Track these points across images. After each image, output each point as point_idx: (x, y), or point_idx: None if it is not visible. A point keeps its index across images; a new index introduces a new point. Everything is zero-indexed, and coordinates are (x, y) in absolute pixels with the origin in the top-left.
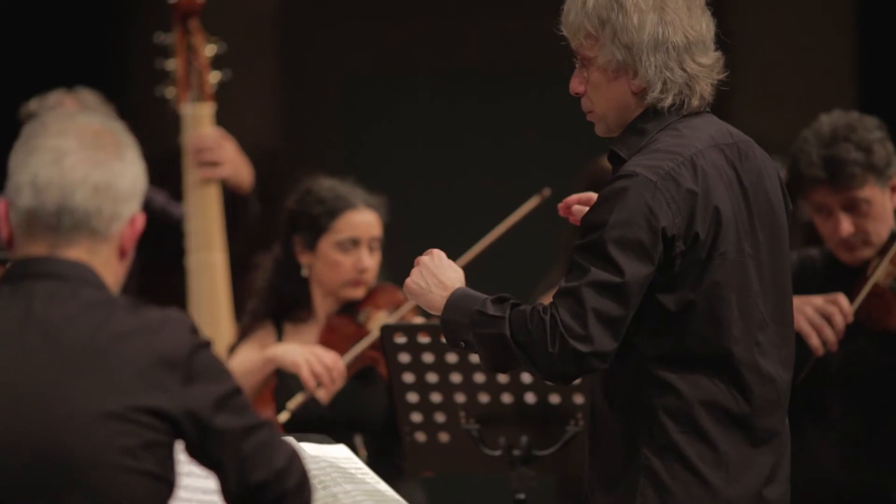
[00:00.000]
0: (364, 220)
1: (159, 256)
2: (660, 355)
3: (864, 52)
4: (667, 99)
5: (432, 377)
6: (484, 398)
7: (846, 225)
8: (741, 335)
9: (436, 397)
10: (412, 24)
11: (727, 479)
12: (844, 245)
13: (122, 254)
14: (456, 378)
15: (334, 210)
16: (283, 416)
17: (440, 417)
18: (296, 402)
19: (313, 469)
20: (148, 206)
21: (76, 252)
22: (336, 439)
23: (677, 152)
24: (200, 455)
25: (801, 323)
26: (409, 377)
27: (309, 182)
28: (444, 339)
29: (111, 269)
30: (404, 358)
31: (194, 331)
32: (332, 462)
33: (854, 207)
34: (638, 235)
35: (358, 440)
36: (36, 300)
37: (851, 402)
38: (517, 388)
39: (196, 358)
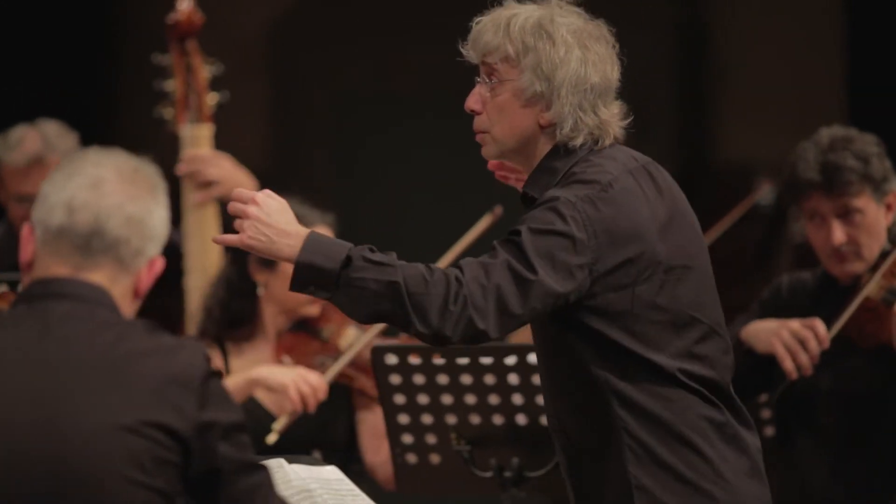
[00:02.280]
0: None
1: (158, 278)
2: (625, 373)
3: (855, 74)
4: (577, 139)
5: (423, 398)
6: (475, 420)
7: (838, 233)
8: (696, 343)
9: (426, 419)
10: (407, 44)
11: (724, 486)
12: (836, 255)
13: (136, 293)
14: (447, 399)
15: None
16: (272, 438)
17: (431, 439)
18: (282, 423)
19: (303, 491)
20: None
21: (99, 276)
22: (293, 453)
23: (595, 181)
24: (196, 483)
25: (776, 346)
26: (399, 398)
27: None
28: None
29: (126, 304)
30: (395, 379)
31: (208, 359)
32: (323, 483)
33: (847, 216)
34: (563, 253)
35: (316, 454)
36: (52, 319)
37: (843, 419)
38: (508, 410)
39: (210, 384)
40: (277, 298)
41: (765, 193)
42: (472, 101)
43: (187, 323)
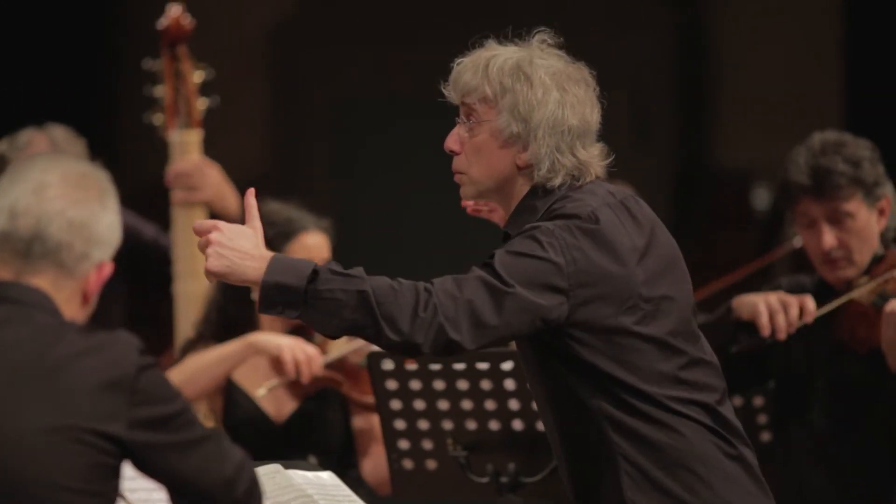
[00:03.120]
0: (316, 243)
1: (146, 283)
2: (616, 401)
3: (852, 80)
4: (554, 179)
5: (419, 404)
6: (471, 425)
7: (829, 238)
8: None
9: (423, 424)
10: (402, 47)
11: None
12: (827, 261)
13: (84, 298)
14: (443, 405)
15: (287, 233)
16: (261, 392)
17: (427, 444)
18: (273, 384)
19: (300, 496)
20: (138, 238)
21: (40, 281)
22: (289, 458)
23: (575, 214)
24: (148, 471)
25: (759, 305)
26: (396, 404)
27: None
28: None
29: (72, 309)
30: (392, 385)
31: (142, 351)
32: (319, 488)
33: (838, 221)
34: (540, 275)
35: (312, 461)
36: None
37: (838, 422)
38: (505, 416)
39: (142, 378)
40: None
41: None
42: (451, 142)
43: (177, 328)
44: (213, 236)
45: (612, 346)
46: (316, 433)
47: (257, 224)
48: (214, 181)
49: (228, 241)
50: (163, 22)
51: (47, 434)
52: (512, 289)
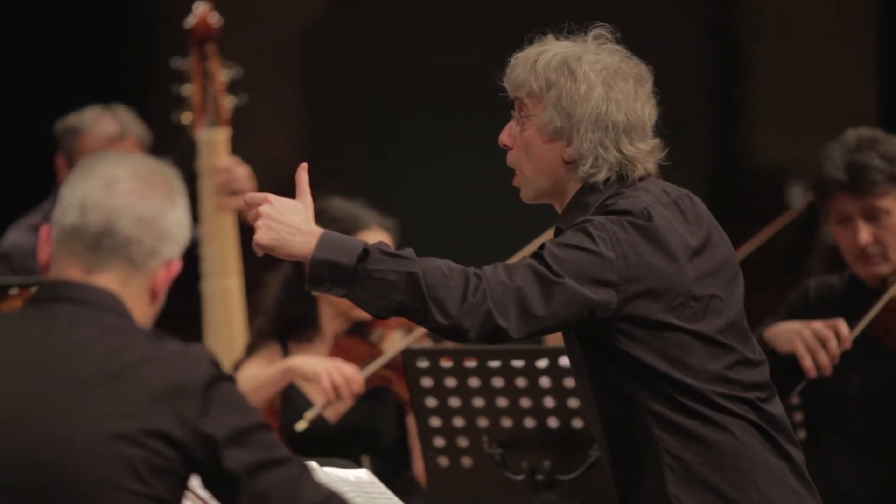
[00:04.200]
0: (378, 240)
1: (174, 281)
2: (662, 396)
3: (887, 78)
4: (598, 174)
5: (455, 401)
6: (506, 423)
7: (864, 234)
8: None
9: (458, 422)
10: (431, 47)
11: (761, 498)
12: (862, 257)
13: (153, 295)
14: (478, 402)
15: (349, 230)
16: (301, 425)
17: (462, 442)
18: (313, 412)
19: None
20: None
21: (109, 278)
22: (342, 458)
23: (627, 210)
24: (216, 488)
25: (796, 345)
26: (431, 401)
27: (322, 202)
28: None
29: (140, 306)
30: (427, 382)
31: (215, 364)
32: (355, 486)
33: (874, 217)
34: (590, 267)
35: (365, 461)
36: (58, 322)
37: (872, 421)
38: (540, 413)
39: (214, 389)
40: (331, 300)
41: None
42: (503, 136)
43: (205, 327)
44: (264, 209)
45: (659, 341)
46: (369, 434)
47: (307, 199)
48: (250, 185)
49: (278, 215)
50: (190, 21)
51: (110, 437)
52: (562, 279)
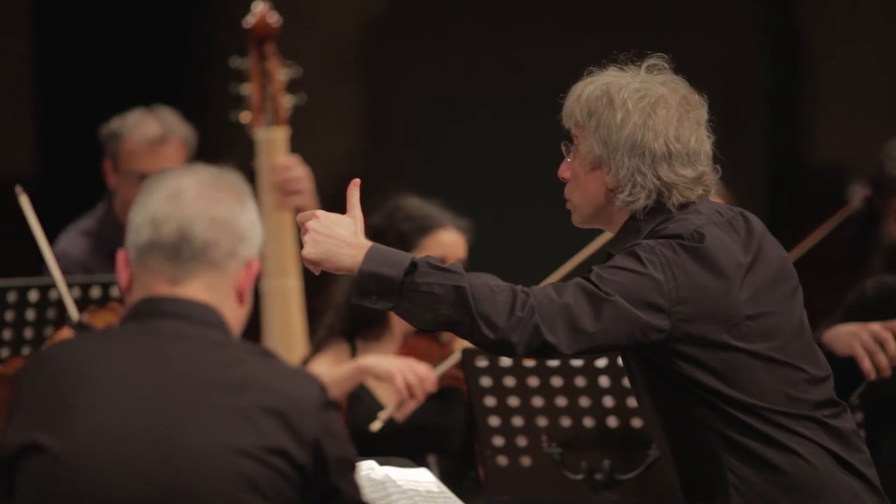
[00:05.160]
0: (452, 241)
1: None
2: (724, 416)
3: None
4: (637, 202)
5: (514, 401)
6: (566, 422)
7: None
8: (793, 387)
9: (517, 421)
10: (490, 45)
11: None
12: None
13: (240, 298)
14: (537, 402)
15: (423, 228)
16: (376, 426)
17: (522, 441)
18: (387, 412)
19: (395, 493)
20: None
21: (197, 286)
22: (408, 458)
23: (677, 234)
24: None
25: (855, 347)
26: (490, 401)
27: (397, 199)
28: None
29: (230, 309)
30: (486, 381)
31: (324, 390)
32: (414, 486)
33: None
34: (640, 290)
35: (431, 460)
36: (164, 338)
37: None
38: (599, 412)
39: (327, 414)
40: None
41: (856, 194)
42: (561, 170)
43: (264, 326)
44: (311, 223)
45: (717, 363)
46: (437, 433)
47: (357, 213)
48: (309, 185)
49: (325, 229)
50: (249, 20)
51: (229, 452)
52: (612, 297)
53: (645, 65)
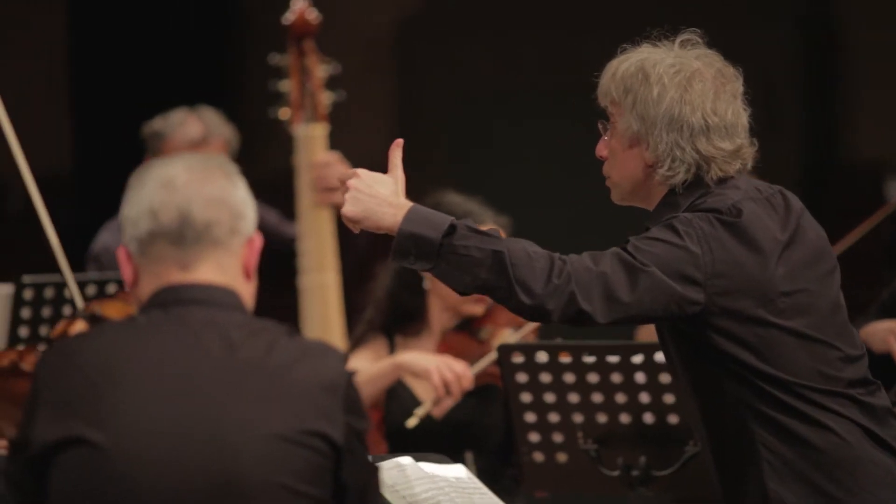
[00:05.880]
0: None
1: (271, 276)
2: (758, 392)
3: None
4: (677, 176)
5: (550, 397)
6: (602, 418)
7: None
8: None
9: (553, 417)
10: (528, 42)
11: (868, 500)
12: None
13: (247, 274)
14: (573, 398)
15: None
16: (412, 422)
17: (558, 437)
18: (424, 409)
19: (431, 489)
20: (261, 226)
21: (207, 268)
22: (446, 455)
23: (714, 208)
24: (338, 487)
25: (891, 343)
26: (526, 397)
27: (438, 195)
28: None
29: (241, 287)
30: (521, 377)
31: (347, 361)
32: (450, 482)
33: None
34: (676, 262)
35: (468, 457)
36: (193, 326)
37: None
38: (635, 409)
39: (352, 388)
40: (441, 294)
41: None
42: (599, 148)
43: (302, 323)
44: (352, 182)
45: (752, 338)
46: (474, 430)
47: (399, 174)
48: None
49: (366, 188)
50: (289, 17)
51: (275, 439)
52: (648, 268)
53: (678, 40)
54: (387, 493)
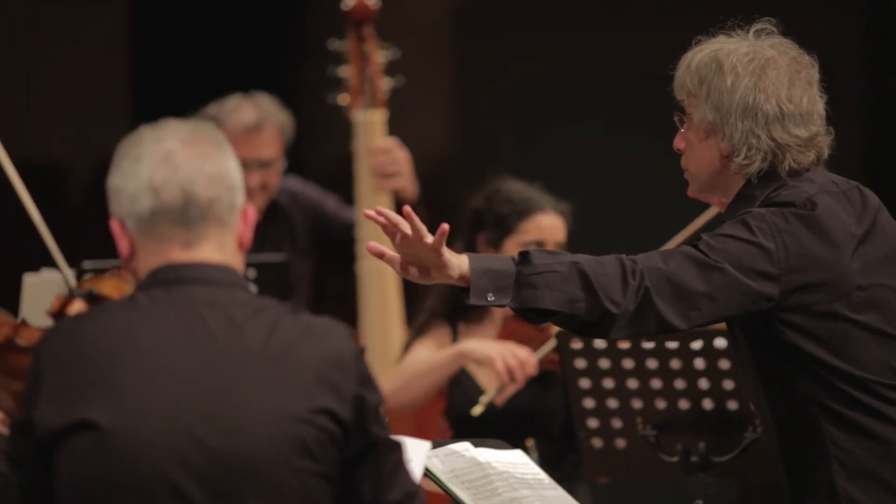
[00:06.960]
0: (551, 224)
1: (331, 261)
2: (828, 387)
3: None
4: (752, 165)
5: (608, 383)
6: (660, 404)
7: None
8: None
9: (612, 403)
10: (585, 31)
11: None
12: None
13: (241, 247)
14: (632, 384)
15: (523, 211)
16: (477, 410)
17: (617, 423)
18: (488, 396)
19: (490, 474)
20: (321, 211)
21: (209, 247)
22: (508, 441)
23: (789, 202)
24: (349, 463)
25: None
26: (585, 383)
27: (497, 182)
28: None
29: (236, 260)
30: (580, 363)
31: (354, 337)
32: (508, 467)
33: None
34: (749, 259)
35: (530, 444)
36: (196, 306)
37: None
38: (694, 395)
39: (361, 363)
40: None
41: None
42: (676, 141)
43: (361, 308)
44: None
45: (825, 332)
46: (536, 417)
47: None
48: (406, 166)
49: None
50: (348, 3)
51: (284, 418)
52: (721, 265)
53: (753, 30)
54: (442, 477)
